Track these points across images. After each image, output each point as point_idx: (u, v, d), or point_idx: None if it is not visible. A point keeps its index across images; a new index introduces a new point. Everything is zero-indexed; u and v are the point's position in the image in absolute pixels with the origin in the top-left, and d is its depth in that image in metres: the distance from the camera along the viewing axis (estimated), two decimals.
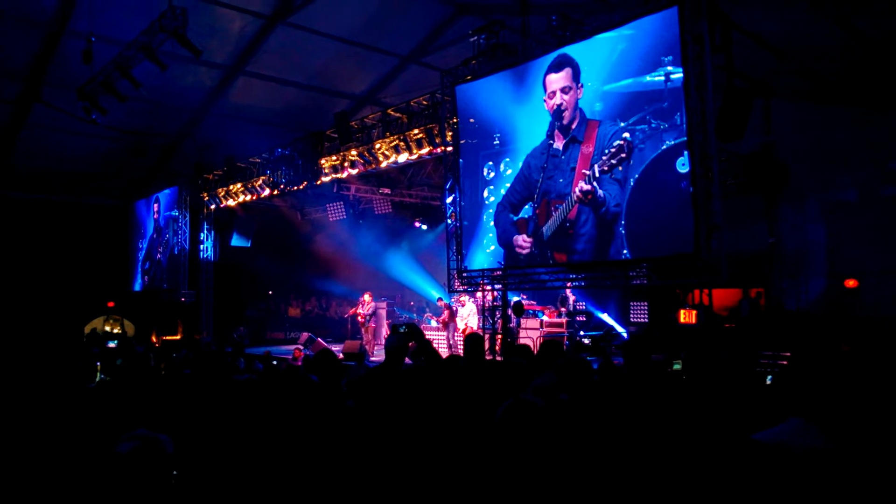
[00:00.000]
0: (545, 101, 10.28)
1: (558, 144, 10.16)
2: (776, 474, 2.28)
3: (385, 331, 16.50)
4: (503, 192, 11.13)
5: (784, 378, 2.75)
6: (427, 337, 12.12)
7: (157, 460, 2.69)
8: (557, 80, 10.12)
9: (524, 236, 10.73)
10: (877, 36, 11.17)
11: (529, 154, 10.64)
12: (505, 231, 11.08)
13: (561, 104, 10.06)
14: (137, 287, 22.18)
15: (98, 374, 8.18)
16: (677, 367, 7.89)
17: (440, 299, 15.63)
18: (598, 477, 2.69)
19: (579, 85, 9.82)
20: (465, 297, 14.30)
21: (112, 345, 14.17)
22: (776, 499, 2.24)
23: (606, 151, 9.34)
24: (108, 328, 21.96)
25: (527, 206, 10.68)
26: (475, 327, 13.88)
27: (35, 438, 3.66)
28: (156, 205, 21.27)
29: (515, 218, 10.88)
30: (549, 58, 10.22)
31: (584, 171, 9.73)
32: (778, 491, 2.23)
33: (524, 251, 10.76)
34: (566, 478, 2.59)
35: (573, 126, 9.94)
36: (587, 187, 9.63)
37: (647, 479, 2.68)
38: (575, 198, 9.81)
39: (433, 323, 16.25)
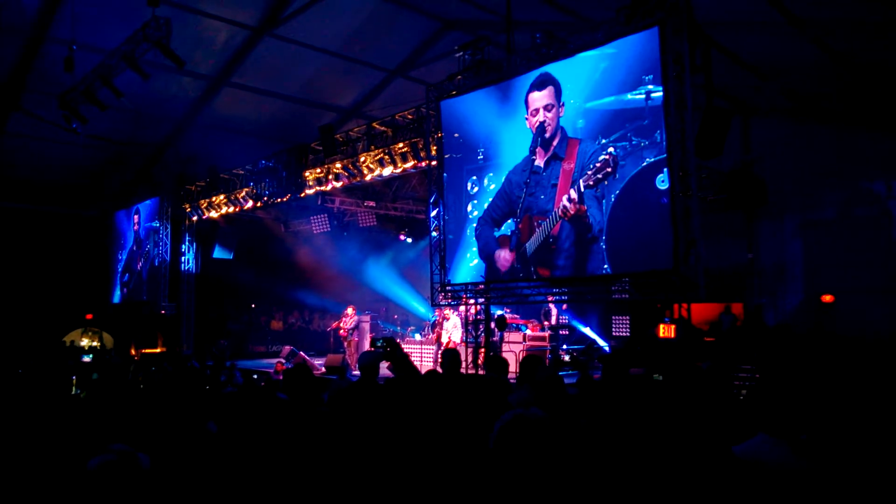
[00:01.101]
0: (527, 118, 10.38)
1: (540, 161, 10.24)
2: (751, 489, 2.31)
3: (367, 345, 16.42)
4: (486, 206, 11.18)
5: (754, 393, 2.78)
6: (409, 350, 12.08)
7: (131, 476, 2.66)
8: (540, 97, 10.22)
9: (506, 252, 10.78)
10: (857, 58, 11.41)
11: (511, 171, 10.72)
12: (486, 245, 11.13)
13: (544, 121, 10.15)
14: (116, 299, 21.93)
15: (73, 388, 8.10)
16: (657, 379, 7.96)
17: (438, 308, 15.20)
18: (578, 488, 2.69)
19: (561, 103, 9.93)
20: (448, 311, 14.29)
21: (87, 359, 13.94)
22: None
23: (591, 166, 9.42)
24: (85, 340, 21.70)
25: (509, 222, 10.75)
26: (458, 341, 13.87)
27: (5, 453, 3.62)
28: (136, 216, 21.07)
29: (497, 234, 10.93)
30: (533, 75, 10.32)
31: (566, 187, 9.81)
32: None
33: (506, 266, 10.81)
34: (552, 490, 2.58)
35: (554, 143, 10.03)
36: (570, 204, 9.71)
37: (625, 490, 2.68)
38: (559, 214, 9.87)
39: (417, 336, 16.22)
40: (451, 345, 13.86)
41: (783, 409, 2.55)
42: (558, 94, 9.96)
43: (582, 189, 9.56)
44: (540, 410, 2.80)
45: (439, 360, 14.67)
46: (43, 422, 4.66)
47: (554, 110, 10.05)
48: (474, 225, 11.36)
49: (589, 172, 9.44)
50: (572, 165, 9.73)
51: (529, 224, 10.35)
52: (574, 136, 9.78)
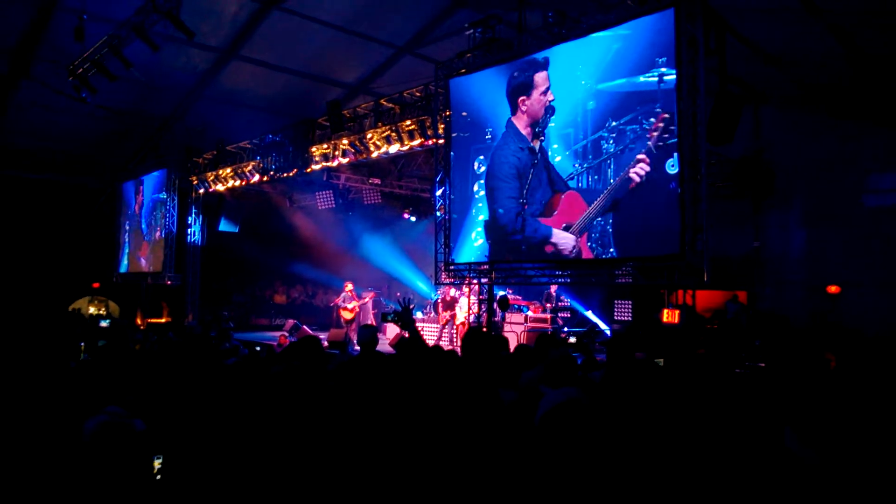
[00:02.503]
0: (538, 97, 10.30)
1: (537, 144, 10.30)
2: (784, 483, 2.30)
3: (370, 321, 16.52)
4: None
5: (765, 383, 2.78)
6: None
7: (125, 437, 2.70)
8: (546, 78, 10.19)
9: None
10: (873, 51, 11.28)
11: (515, 147, 10.63)
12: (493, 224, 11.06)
13: (553, 101, 10.11)
14: (123, 268, 22.03)
15: (82, 354, 8.18)
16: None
17: (448, 286, 14.87)
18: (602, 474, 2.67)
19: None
20: (455, 291, 14.38)
21: (104, 324, 14.16)
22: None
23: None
24: (92, 309, 21.87)
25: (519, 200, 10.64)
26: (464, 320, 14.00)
27: (9, 416, 3.66)
28: (143, 186, 21.12)
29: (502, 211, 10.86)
30: (543, 54, 10.25)
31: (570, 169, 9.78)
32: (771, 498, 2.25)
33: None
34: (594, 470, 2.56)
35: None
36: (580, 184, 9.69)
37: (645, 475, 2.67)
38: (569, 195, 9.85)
39: (419, 314, 16.28)
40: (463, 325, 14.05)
41: (799, 401, 2.54)
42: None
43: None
44: (578, 393, 2.79)
45: (457, 340, 14.71)
46: (48, 386, 4.71)
47: (549, 93, 10.09)
48: (480, 205, 11.33)
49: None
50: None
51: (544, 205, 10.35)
52: (584, 118, 9.73)
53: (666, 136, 8.60)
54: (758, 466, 2.39)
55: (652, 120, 8.80)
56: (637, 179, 9.06)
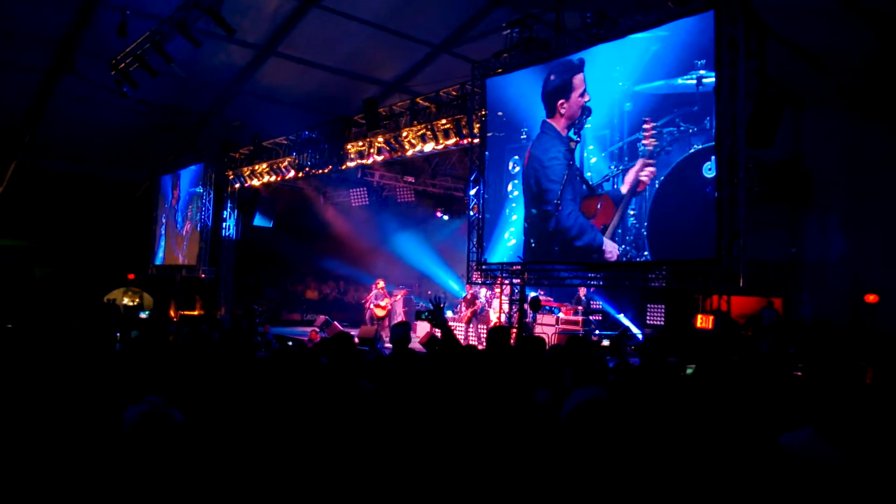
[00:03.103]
0: (577, 98, 10.19)
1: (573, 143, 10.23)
2: (792, 481, 2.29)
3: (402, 318, 16.59)
4: None
5: (800, 386, 2.75)
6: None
7: (165, 426, 2.74)
8: (582, 80, 10.13)
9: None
10: None
11: (551, 148, 10.58)
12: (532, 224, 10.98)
13: (589, 101, 10.05)
14: (158, 261, 22.41)
15: (117, 344, 8.34)
16: (690, 371, 7.87)
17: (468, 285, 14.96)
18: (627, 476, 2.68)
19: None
20: (484, 290, 14.39)
21: (143, 315, 14.43)
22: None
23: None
24: (126, 300, 22.31)
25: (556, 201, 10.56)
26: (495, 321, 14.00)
27: (45, 405, 3.73)
28: (180, 180, 21.45)
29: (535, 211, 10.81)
30: (580, 55, 10.18)
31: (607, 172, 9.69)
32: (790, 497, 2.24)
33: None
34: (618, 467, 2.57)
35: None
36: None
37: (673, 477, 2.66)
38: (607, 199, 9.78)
39: (450, 314, 16.29)
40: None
41: (833, 404, 2.51)
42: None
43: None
44: (604, 392, 2.81)
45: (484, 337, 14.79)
46: (85, 375, 4.80)
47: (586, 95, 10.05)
48: (514, 205, 11.30)
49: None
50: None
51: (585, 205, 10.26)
52: (621, 120, 9.65)
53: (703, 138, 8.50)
54: (766, 468, 2.37)
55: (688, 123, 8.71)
56: (646, 181, 9.06)
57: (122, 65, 12.80)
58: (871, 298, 12.98)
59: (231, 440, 3.34)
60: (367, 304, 16.89)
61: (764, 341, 11.67)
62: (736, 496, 2.35)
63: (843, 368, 3.49)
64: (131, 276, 22.97)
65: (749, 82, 8.20)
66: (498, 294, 14.42)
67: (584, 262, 10.21)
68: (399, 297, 16.90)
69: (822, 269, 14.19)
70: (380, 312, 16.23)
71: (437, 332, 4.33)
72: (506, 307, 13.58)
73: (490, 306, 14.89)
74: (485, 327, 15.21)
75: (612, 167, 9.74)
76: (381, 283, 16.61)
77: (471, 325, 15.21)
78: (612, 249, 9.69)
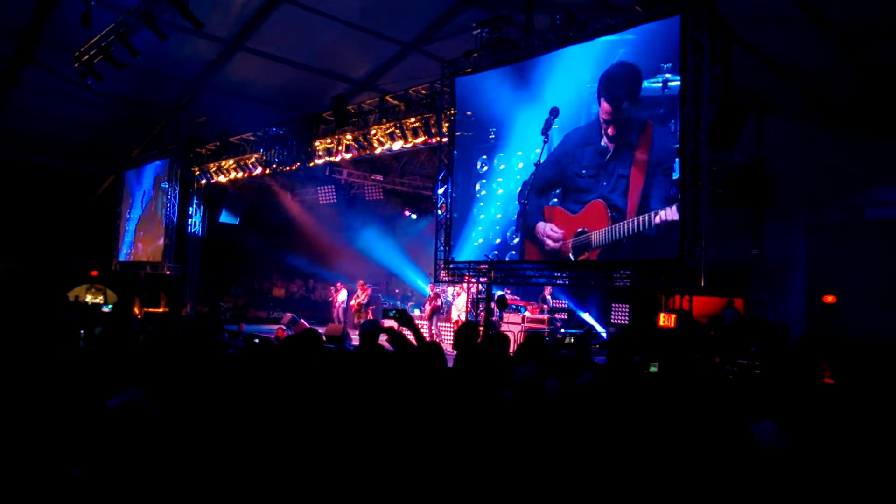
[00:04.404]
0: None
1: (607, 143, 9.50)
2: (758, 471, 2.36)
3: (370, 316, 16.62)
4: (495, 186, 11.16)
5: (758, 381, 2.84)
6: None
7: (145, 416, 2.75)
8: None
9: (552, 226, 10.29)
10: (878, 64, 11.32)
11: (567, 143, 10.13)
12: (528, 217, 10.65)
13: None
14: (123, 257, 22.03)
15: (80, 342, 8.20)
16: (653, 369, 8.01)
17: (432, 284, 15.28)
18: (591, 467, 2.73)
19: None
20: (452, 288, 14.45)
21: (106, 309, 14.19)
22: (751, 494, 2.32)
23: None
24: (90, 297, 21.89)
25: (556, 191, 10.27)
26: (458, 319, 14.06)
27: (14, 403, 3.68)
28: (144, 175, 21.10)
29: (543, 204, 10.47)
30: (550, 56, 10.26)
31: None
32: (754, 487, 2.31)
33: (551, 242, 10.29)
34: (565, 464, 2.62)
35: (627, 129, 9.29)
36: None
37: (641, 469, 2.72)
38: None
39: (417, 312, 16.33)
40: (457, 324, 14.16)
41: (790, 400, 2.60)
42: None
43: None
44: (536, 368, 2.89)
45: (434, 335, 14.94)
46: (52, 373, 4.74)
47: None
48: (482, 204, 11.36)
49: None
50: (646, 156, 8.96)
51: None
52: (588, 120, 9.74)
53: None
54: (728, 460, 2.44)
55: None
56: None
57: (87, 56, 12.57)
58: (830, 299, 13.32)
59: (198, 435, 3.34)
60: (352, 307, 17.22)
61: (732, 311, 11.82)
62: (704, 481, 2.42)
63: (801, 367, 3.60)
64: (94, 273, 22.54)
65: (714, 87, 8.37)
66: (458, 293, 14.54)
67: (550, 261, 10.31)
68: (364, 295, 17.06)
69: (783, 270, 14.52)
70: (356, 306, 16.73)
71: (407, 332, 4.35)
72: (471, 306, 13.68)
73: (455, 304, 14.98)
74: (447, 325, 15.33)
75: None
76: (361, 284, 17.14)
77: (432, 322, 15.32)
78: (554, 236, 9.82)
